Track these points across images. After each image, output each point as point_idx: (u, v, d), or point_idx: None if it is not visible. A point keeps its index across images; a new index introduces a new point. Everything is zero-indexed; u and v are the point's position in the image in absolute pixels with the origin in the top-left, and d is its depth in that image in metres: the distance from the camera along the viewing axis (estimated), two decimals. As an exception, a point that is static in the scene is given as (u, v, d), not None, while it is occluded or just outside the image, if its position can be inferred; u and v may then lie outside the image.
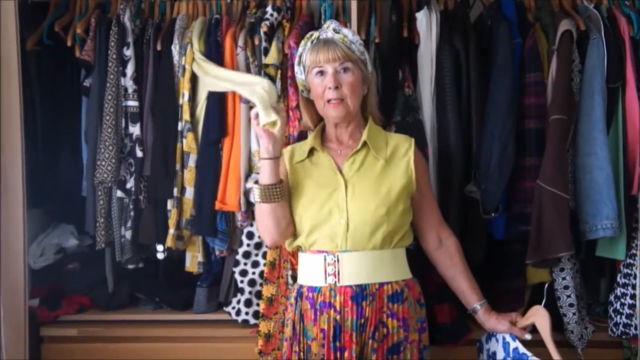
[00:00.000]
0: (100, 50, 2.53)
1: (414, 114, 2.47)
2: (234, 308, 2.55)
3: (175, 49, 2.53)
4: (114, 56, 2.51)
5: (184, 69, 2.50)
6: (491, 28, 2.48)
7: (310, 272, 1.98)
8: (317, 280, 1.95)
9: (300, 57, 2.03)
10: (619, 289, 2.43)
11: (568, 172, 2.38)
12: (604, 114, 2.36)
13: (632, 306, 2.39)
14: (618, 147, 2.41)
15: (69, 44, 2.59)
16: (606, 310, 2.50)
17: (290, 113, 2.48)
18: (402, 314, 1.95)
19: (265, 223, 1.99)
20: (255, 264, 2.53)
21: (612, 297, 2.46)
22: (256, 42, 2.52)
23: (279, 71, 2.49)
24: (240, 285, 2.54)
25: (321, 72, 1.96)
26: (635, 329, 2.38)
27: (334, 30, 1.98)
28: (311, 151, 2.05)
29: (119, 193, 2.54)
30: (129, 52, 2.53)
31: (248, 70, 2.51)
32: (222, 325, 2.58)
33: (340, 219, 1.93)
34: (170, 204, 2.52)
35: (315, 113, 2.08)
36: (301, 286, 2.01)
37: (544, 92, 2.41)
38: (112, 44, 2.51)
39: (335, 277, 1.92)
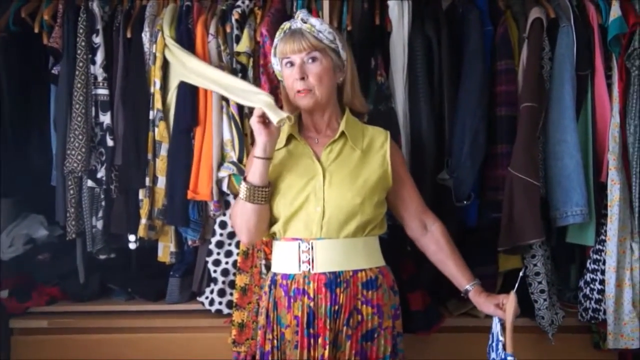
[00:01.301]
0: (69, 37, 2.50)
1: (387, 102, 2.47)
2: (207, 298, 2.55)
3: (145, 36, 2.50)
4: (83, 43, 2.47)
5: (155, 56, 2.47)
6: (463, 15, 2.49)
7: (284, 259, 1.98)
8: (291, 268, 1.96)
9: (274, 48, 2.02)
10: (588, 274, 2.46)
11: (539, 159, 2.41)
12: (573, 101, 2.39)
13: (601, 291, 2.42)
14: (587, 134, 2.44)
15: (36, 30, 2.55)
16: (576, 296, 2.53)
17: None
18: (377, 300, 1.96)
19: (245, 222, 1.96)
20: (229, 254, 2.52)
21: (581, 283, 2.49)
22: (227, 30, 2.50)
23: (251, 59, 2.48)
24: (213, 275, 2.53)
25: (290, 63, 1.96)
26: (604, 313, 2.42)
27: (302, 20, 1.97)
28: (289, 139, 2.04)
29: (90, 182, 2.51)
30: (98, 40, 2.50)
31: (220, 59, 2.49)
32: (196, 315, 2.58)
33: (317, 206, 1.93)
34: (142, 193, 2.50)
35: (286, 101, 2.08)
36: (275, 274, 2.01)
37: (514, 79, 2.43)
38: (81, 31, 2.47)
39: (310, 265, 1.93)
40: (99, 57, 2.50)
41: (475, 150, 2.37)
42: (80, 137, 2.45)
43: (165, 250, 2.60)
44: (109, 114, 2.51)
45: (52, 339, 2.55)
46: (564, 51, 2.41)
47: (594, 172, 2.43)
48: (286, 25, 2.01)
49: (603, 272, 2.42)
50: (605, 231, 2.41)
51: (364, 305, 1.94)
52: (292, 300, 1.93)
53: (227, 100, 2.46)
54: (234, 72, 2.48)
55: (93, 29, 2.50)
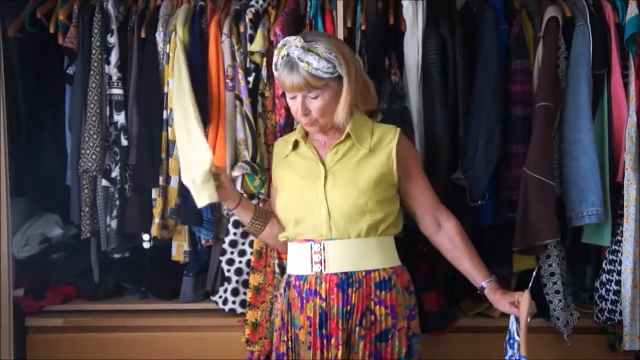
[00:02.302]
0: (84, 37, 2.50)
1: (401, 101, 2.46)
2: (220, 297, 2.55)
3: (159, 36, 2.51)
4: (98, 44, 2.48)
5: (168, 56, 2.48)
6: (477, 15, 2.48)
7: (298, 261, 1.99)
8: (304, 269, 1.96)
9: (275, 65, 1.99)
10: (604, 275, 2.45)
11: (554, 159, 2.39)
12: (589, 100, 2.37)
13: (617, 292, 2.40)
14: (603, 133, 2.42)
15: (51, 31, 2.55)
16: (591, 297, 2.52)
17: (277, 101, 2.47)
18: (390, 301, 1.95)
19: (265, 241, 2.24)
20: (242, 253, 2.52)
21: (597, 284, 2.47)
22: (241, 30, 2.50)
23: (265, 58, 2.47)
24: (227, 274, 2.53)
25: (292, 96, 1.97)
26: (620, 315, 2.40)
27: (299, 57, 1.90)
28: (296, 144, 2.06)
29: (104, 182, 2.52)
30: (112, 40, 2.50)
31: (233, 58, 2.49)
32: (209, 314, 2.58)
33: (321, 208, 1.94)
34: (155, 192, 2.51)
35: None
36: (289, 276, 2.02)
37: (530, 79, 2.41)
38: (96, 31, 2.48)
39: (322, 265, 1.93)
40: (114, 57, 2.51)
41: (490, 150, 2.36)
42: (95, 136, 2.46)
43: (179, 250, 2.60)
44: (123, 113, 2.52)
45: (66, 337, 2.56)
46: (580, 50, 2.39)
47: (610, 172, 2.41)
48: (284, 48, 1.94)
49: (619, 273, 2.40)
50: (622, 231, 2.39)
51: (377, 306, 1.94)
52: (304, 301, 1.94)
53: (240, 99, 2.46)
54: (247, 71, 2.48)
55: (108, 29, 2.50)
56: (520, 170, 2.33)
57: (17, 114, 2.57)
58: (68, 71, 2.57)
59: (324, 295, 1.91)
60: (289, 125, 2.47)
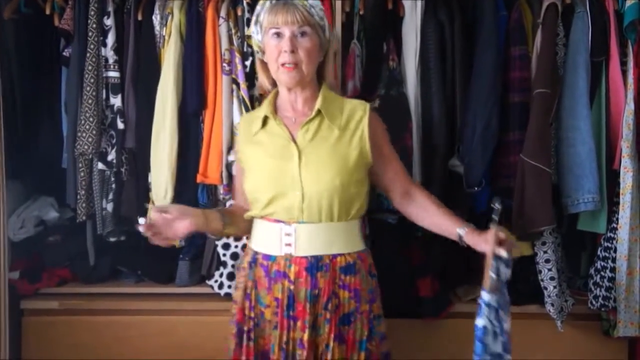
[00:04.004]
0: (80, 19, 2.49)
1: (398, 87, 2.46)
2: (216, 281, 2.55)
3: (156, 19, 2.49)
4: (94, 25, 2.47)
5: (165, 39, 2.46)
6: (476, 1, 2.47)
7: (266, 240, 1.95)
8: (273, 249, 1.92)
9: (257, 16, 1.93)
10: (599, 262, 2.46)
11: (551, 146, 2.39)
12: (587, 88, 2.37)
13: (612, 279, 2.42)
14: (601, 121, 2.42)
15: (47, 12, 2.54)
16: (586, 284, 2.53)
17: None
18: (354, 285, 1.93)
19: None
20: (238, 237, 2.52)
21: (592, 270, 2.48)
22: (239, 13, 2.49)
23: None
24: (222, 258, 2.54)
25: (278, 34, 1.88)
26: (614, 301, 2.41)
27: None
28: (265, 120, 1.98)
29: (100, 165, 2.52)
30: (109, 22, 2.49)
31: (230, 42, 2.47)
32: (205, 298, 2.59)
33: (295, 190, 1.88)
34: (151, 176, 2.50)
35: (271, 77, 2.00)
36: (256, 252, 1.97)
37: (528, 65, 2.41)
38: (92, 13, 2.46)
39: (291, 248, 1.90)
40: (110, 39, 2.49)
41: (488, 137, 2.36)
42: (91, 119, 2.45)
43: (175, 234, 2.59)
44: (119, 96, 2.51)
45: (62, 320, 2.56)
46: (578, 37, 2.39)
47: (607, 159, 2.42)
48: None
49: (614, 260, 2.41)
50: (617, 219, 2.40)
51: (342, 290, 1.92)
52: (272, 282, 1.91)
53: (237, 83, 2.45)
54: (245, 55, 2.47)
55: (104, 11, 2.49)
56: (517, 157, 2.33)
57: (13, 97, 2.56)
58: (64, 53, 2.56)
59: (292, 278, 1.89)
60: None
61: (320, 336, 1.91)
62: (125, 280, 2.70)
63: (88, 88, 2.45)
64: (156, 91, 2.47)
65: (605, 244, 2.44)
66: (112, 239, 2.58)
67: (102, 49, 2.50)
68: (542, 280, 2.41)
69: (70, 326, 2.55)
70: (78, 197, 2.51)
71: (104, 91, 2.51)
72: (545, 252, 2.40)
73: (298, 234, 1.90)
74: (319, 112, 1.93)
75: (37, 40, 2.62)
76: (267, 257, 1.93)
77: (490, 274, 1.81)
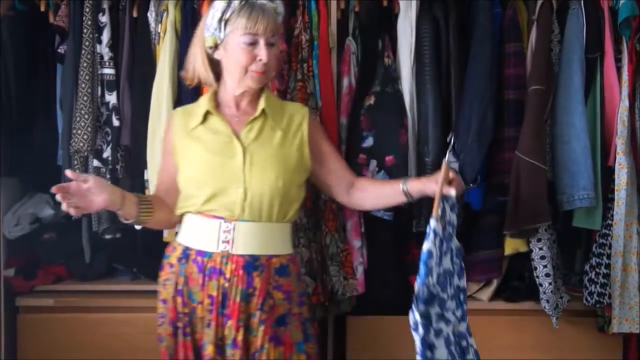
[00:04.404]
0: (75, 16, 2.48)
1: (394, 84, 2.46)
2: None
3: (151, 15, 2.49)
4: (89, 22, 2.46)
5: (160, 36, 2.46)
6: (471, -2, 2.47)
7: (201, 236, 1.90)
8: (209, 246, 1.88)
9: (224, 13, 1.86)
10: (594, 258, 2.46)
11: (546, 142, 2.40)
12: (582, 84, 2.37)
13: (607, 276, 2.42)
14: (595, 118, 2.43)
15: (42, 9, 2.54)
16: (581, 280, 2.53)
17: (269, 83, 2.45)
18: (287, 287, 1.93)
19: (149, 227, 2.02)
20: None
21: (587, 267, 2.49)
22: (235, 10, 2.48)
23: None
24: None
25: (254, 41, 1.85)
26: (609, 297, 2.42)
27: None
28: (205, 115, 1.94)
29: (96, 162, 2.51)
30: (104, 19, 2.49)
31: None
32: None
33: (238, 187, 1.86)
34: (147, 173, 2.50)
35: (212, 72, 1.94)
36: (187, 248, 1.91)
37: (523, 62, 2.41)
38: (87, 10, 2.46)
39: (229, 245, 1.87)
40: (105, 36, 2.49)
41: (483, 134, 2.36)
42: (87, 116, 2.45)
43: (171, 231, 2.58)
44: (115, 93, 2.51)
45: (57, 317, 2.56)
46: (573, 34, 2.39)
47: (602, 156, 2.42)
48: None
49: (609, 257, 2.42)
50: (612, 215, 2.40)
51: (275, 291, 1.91)
52: (206, 279, 1.87)
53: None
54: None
55: (99, 8, 2.49)
56: (512, 154, 2.33)
57: (8, 93, 2.55)
58: (59, 50, 2.56)
59: (228, 276, 1.86)
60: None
61: (253, 336, 1.88)
62: (121, 278, 2.70)
63: (83, 85, 2.45)
64: (152, 88, 2.47)
65: (600, 241, 2.45)
66: (107, 237, 2.57)
67: (97, 46, 2.50)
68: (538, 276, 2.42)
69: (66, 323, 2.55)
70: (73, 194, 2.50)
71: (99, 88, 2.50)
72: (540, 248, 2.41)
73: (237, 231, 1.87)
74: (263, 112, 1.93)
75: (32, 37, 2.62)
76: (202, 253, 1.89)
77: (439, 204, 1.79)
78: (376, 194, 2.04)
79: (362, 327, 2.55)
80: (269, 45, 1.86)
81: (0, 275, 2.52)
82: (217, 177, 1.87)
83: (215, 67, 1.94)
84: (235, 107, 1.96)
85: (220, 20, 1.87)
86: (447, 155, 1.90)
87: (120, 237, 2.61)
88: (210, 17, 1.88)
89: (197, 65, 1.95)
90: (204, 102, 1.96)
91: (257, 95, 1.96)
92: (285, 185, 1.89)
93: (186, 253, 1.92)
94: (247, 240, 1.88)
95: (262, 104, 1.93)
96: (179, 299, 1.91)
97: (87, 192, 1.74)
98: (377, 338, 2.53)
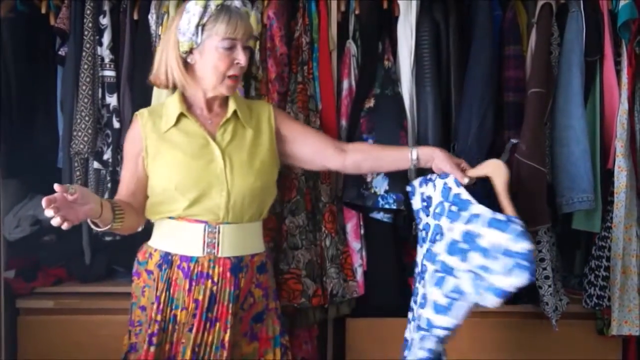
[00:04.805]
0: (76, 18, 2.49)
1: (394, 86, 2.47)
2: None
3: (152, 18, 2.49)
4: (90, 25, 2.47)
5: (160, 39, 2.46)
6: (471, 0, 2.47)
7: (185, 241, 1.89)
8: (194, 250, 1.88)
9: (201, 18, 1.84)
10: (593, 261, 2.46)
11: (545, 145, 2.40)
12: (581, 87, 2.38)
13: (606, 278, 2.42)
14: (595, 120, 2.43)
15: (43, 11, 2.54)
16: (581, 283, 2.54)
17: (270, 85, 2.47)
18: (265, 283, 1.97)
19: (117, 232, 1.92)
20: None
21: (586, 269, 2.49)
22: (235, 12, 2.49)
23: (258, 42, 2.47)
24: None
25: (232, 46, 1.85)
26: (609, 300, 2.42)
27: (243, 3, 1.89)
28: (178, 118, 1.92)
29: (96, 164, 2.52)
30: (105, 21, 2.49)
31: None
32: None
33: (221, 191, 1.87)
34: (147, 175, 2.50)
35: (184, 76, 1.91)
36: (169, 254, 1.90)
37: (522, 65, 2.42)
38: (88, 12, 2.47)
39: (214, 249, 1.88)
40: (106, 38, 2.50)
41: (483, 136, 2.36)
42: (87, 118, 2.45)
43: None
44: (115, 95, 2.51)
45: (57, 319, 2.56)
46: (573, 37, 2.40)
47: (601, 158, 2.42)
48: (217, 1, 1.86)
49: (608, 259, 2.42)
50: (611, 218, 2.41)
51: (257, 288, 1.94)
52: (194, 284, 1.87)
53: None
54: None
55: (100, 10, 2.49)
56: (512, 156, 2.33)
57: (9, 95, 2.55)
58: (60, 52, 2.56)
59: (216, 279, 1.87)
60: (281, 108, 2.47)
61: (234, 335, 1.90)
62: (121, 280, 2.70)
63: (84, 87, 2.45)
64: (152, 90, 2.47)
65: (600, 243, 2.45)
66: (107, 238, 2.57)
67: (98, 48, 2.50)
68: (537, 279, 2.42)
69: (66, 325, 2.55)
70: (74, 196, 2.50)
71: (100, 90, 2.51)
72: (540, 251, 2.41)
73: (223, 234, 1.88)
74: (234, 113, 1.94)
75: (33, 38, 2.62)
76: (187, 258, 1.88)
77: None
78: (376, 155, 2.07)
79: (361, 330, 2.55)
80: (245, 49, 1.87)
81: (0, 277, 2.52)
82: (200, 181, 1.86)
83: (189, 72, 1.92)
84: (207, 109, 1.95)
85: (197, 25, 1.85)
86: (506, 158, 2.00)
87: (120, 238, 2.61)
88: (186, 22, 1.86)
89: (172, 70, 1.92)
90: (173, 104, 1.93)
91: (226, 97, 1.97)
92: (263, 185, 1.92)
93: (167, 259, 1.91)
94: (232, 242, 1.89)
95: (232, 106, 1.94)
96: (154, 306, 1.90)
97: (72, 203, 1.65)
98: (377, 340, 2.53)
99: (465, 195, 1.93)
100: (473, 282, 1.83)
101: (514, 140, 1.94)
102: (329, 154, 2.05)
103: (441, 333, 1.89)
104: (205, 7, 1.84)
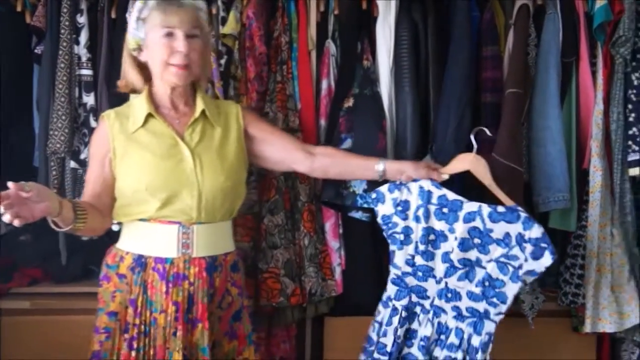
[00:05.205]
0: (52, 16, 2.47)
1: (372, 86, 2.47)
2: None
3: (130, 16, 2.47)
4: (67, 23, 2.45)
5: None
6: (449, 1, 2.49)
7: (159, 243, 1.88)
8: (169, 252, 1.86)
9: (140, 12, 1.86)
10: (568, 259, 2.50)
11: (522, 145, 2.42)
12: (558, 88, 2.40)
13: (581, 276, 2.46)
14: (571, 121, 2.46)
15: (18, 9, 2.51)
16: (557, 281, 2.57)
17: (249, 84, 2.46)
18: (239, 282, 1.98)
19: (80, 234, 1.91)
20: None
21: (562, 268, 2.52)
22: (214, 11, 2.48)
23: (237, 42, 2.46)
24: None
25: (170, 34, 1.83)
26: (583, 298, 2.45)
27: None
28: (146, 118, 1.90)
29: (73, 164, 2.50)
30: (82, 19, 2.47)
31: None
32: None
33: (193, 191, 1.86)
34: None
35: (142, 75, 1.93)
36: (142, 257, 1.88)
37: (500, 65, 2.44)
38: (65, 10, 2.44)
39: (189, 249, 1.87)
40: (83, 37, 2.48)
41: (460, 136, 2.37)
42: (64, 117, 2.43)
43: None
44: (92, 94, 2.49)
45: (33, 319, 2.53)
46: (549, 38, 2.42)
47: (577, 158, 2.46)
48: None
49: (583, 257, 2.45)
50: (587, 217, 2.44)
51: (233, 287, 1.95)
52: (171, 285, 1.86)
53: (212, 82, 2.44)
54: (219, 54, 2.47)
55: (77, 9, 2.47)
56: (490, 156, 2.35)
57: (-17, 94, 2.53)
58: (36, 51, 2.53)
59: (192, 280, 1.87)
60: (260, 108, 2.46)
61: (213, 334, 1.90)
62: (98, 280, 2.67)
63: (60, 86, 2.43)
64: (130, 89, 2.46)
65: (575, 242, 2.48)
66: (84, 238, 2.56)
67: (75, 46, 2.48)
68: (514, 277, 2.44)
69: (42, 325, 2.52)
70: (50, 195, 2.48)
71: (77, 89, 2.49)
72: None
73: (197, 234, 1.88)
74: (202, 112, 1.93)
75: (8, 36, 2.58)
76: (162, 260, 1.87)
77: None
78: (344, 162, 2.07)
79: (340, 328, 2.56)
80: (189, 37, 1.84)
81: (-25, 277, 2.50)
82: (170, 182, 1.85)
83: (145, 70, 1.92)
84: (173, 108, 1.94)
85: (137, 20, 1.86)
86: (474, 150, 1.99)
87: (97, 238, 2.58)
88: (132, 20, 1.88)
89: (126, 70, 1.93)
90: (140, 104, 1.91)
91: (193, 96, 1.96)
92: (234, 184, 1.92)
93: (141, 261, 1.88)
94: (206, 242, 1.89)
95: (200, 105, 1.93)
96: (131, 310, 1.87)
97: (27, 200, 1.60)
98: (355, 339, 2.52)
99: (452, 196, 1.96)
100: (502, 271, 1.90)
101: (478, 129, 1.98)
102: (297, 156, 2.05)
103: (497, 318, 1.96)
104: (145, 2, 1.86)
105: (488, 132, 2.08)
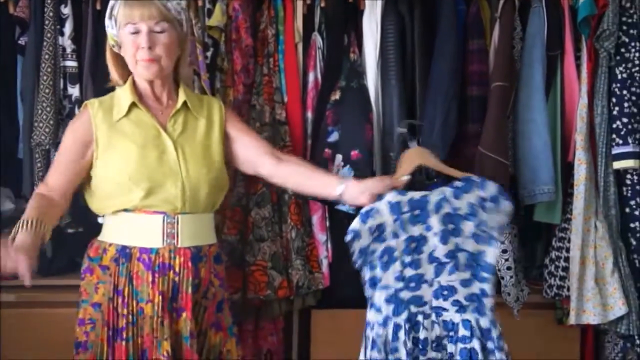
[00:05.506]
0: (36, 7, 2.44)
1: (359, 79, 2.48)
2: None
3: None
4: (51, 14, 2.43)
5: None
6: (436, -6, 2.50)
7: (144, 232, 1.88)
8: (154, 242, 1.87)
9: (112, 9, 1.88)
10: (553, 252, 2.51)
11: (508, 138, 2.44)
12: (543, 81, 2.42)
13: (566, 269, 2.48)
14: (556, 114, 2.48)
15: (1, -1, 2.49)
16: (542, 273, 2.58)
17: (235, 77, 2.45)
18: (221, 274, 1.99)
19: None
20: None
21: (547, 260, 2.54)
22: (199, 3, 2.47)
23: (223, 34, 2.45)
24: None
25: (135, 30, 1.84)
26: (568, 290, 2.47)
27: None
28: (130, 108, 1.91)
29: (57, 156, 2.48)
30: (66, 10, 2.45)
31: (191, 33, 2.45)
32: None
33: (176, 181, 1.87)
34: (110, 167, 2.47)
35: (125, 69, 1.95)
36: (126, 247, 1.88)
37: (486, 59, 2.45)
38: (49, 0, 2.42)
39: (174, 239, 1.88)
40: (68, 28, 2.45)
41: (446, 129, 2.39)
42: (48, 109, 2.41)
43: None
44: (77, 86, 2.47)
45: (19, 312, 2.52)
46: (535, 31, 2.44)
47: (562, 151, 2.47)
48: None
49: (568, 250, 2.47)
50: (571, 210, 2.46)
51: (215, 278, 1.96)
52: (157, 275, 1.86)
53: (198, 74, 2.44)
54: (205, 46, 2.46)
55: (61, -1, 2.45)
56: (476, 149, 2.37)
57: (-33, 85, 2.50)
58: (20, 41, 2.51)
59: (177, 270, 1.87)
60: (246, 101, 2.46)
61: (198, 325, 1.91)
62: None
63: (45, 77, 2.41)
64: (115, 81, 2.44)
65: (560, 235, 2.50)
66: (70, 231, 2.54)
67: (60, 37, 2.46)
68: (499, 270, 2.46)
69: (28, 318, 2.51)
70: (34, 188, 2.46)
71: (62, 81, 2.47)
72: (502, 242, 2.45)
73: (181, 224, 1.88)
74: (184, 104, 1.94)
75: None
76: (147, 250, 1.87)
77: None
78: (307, 174, 2.01)
79: (327, 321, 2.57)
80: (155, 33, 1.85)
81: (-41, 270, 2.47)
82: (154, 172, 1.86)
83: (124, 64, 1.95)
84: (156, 100, 1.95)
85: (110, 17, 1.89)
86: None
87: (83, 230, 2.58)
88: (106, 17, 1.91)
89: (109, 66, 1.98)
90: (125, 94, 1.93)
91: (174, 88, 1.98)
92: (217, 176, 1.94)
93: (125, 252, 1.88)
94: (190, 232, 1.90)
95: (182, 97, 1.95)
96: (119, 300, 1.87)
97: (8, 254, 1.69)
98: (342, 332, 2.54)
99: (417, 194, 1.91)
100: (479, 241, 1.89)
101: (407, 122, 2.00)
102: (265, 159, 2.03)
103: (490, 290, 1.94)
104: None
105: (417, 123, 2.08)
